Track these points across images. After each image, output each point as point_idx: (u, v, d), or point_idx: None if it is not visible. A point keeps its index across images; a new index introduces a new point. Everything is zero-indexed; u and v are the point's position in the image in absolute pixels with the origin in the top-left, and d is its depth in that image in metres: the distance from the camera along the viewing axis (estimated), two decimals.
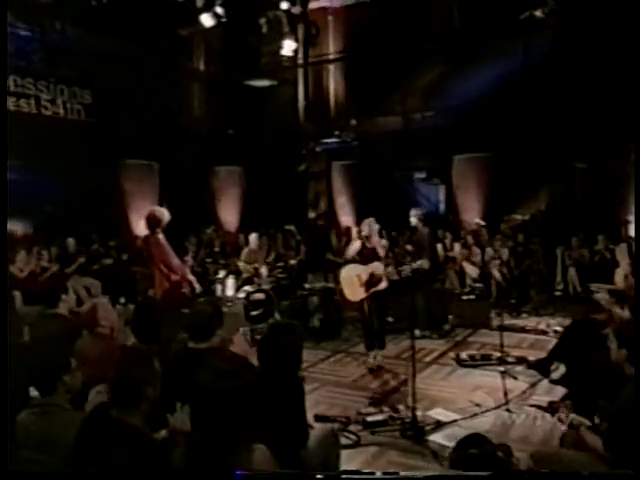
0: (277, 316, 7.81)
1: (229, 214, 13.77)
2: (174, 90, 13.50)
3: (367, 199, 13.15)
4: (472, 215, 12.10)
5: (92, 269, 9.42)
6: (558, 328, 7.60)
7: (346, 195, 13.44)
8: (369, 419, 4.84)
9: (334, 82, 14.72)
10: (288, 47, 11.74)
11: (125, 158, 12.32)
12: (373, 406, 5.22)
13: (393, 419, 4.88)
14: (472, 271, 9.63)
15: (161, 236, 6.06)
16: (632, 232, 10.20)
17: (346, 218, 13.20)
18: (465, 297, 8.33)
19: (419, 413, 4.88)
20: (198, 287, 6.10)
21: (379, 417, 4.89)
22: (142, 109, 12.18)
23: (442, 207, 14.27)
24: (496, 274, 9.55)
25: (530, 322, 8.42)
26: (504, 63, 11.80)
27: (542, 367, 5.70)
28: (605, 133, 10.83)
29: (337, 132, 14.13)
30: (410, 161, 13.60)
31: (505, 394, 5.40)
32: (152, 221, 6.05)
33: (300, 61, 14.85)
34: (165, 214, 6.11)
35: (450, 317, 8.01)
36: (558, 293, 9.19)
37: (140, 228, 12.00)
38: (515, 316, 8.78)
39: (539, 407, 5.14)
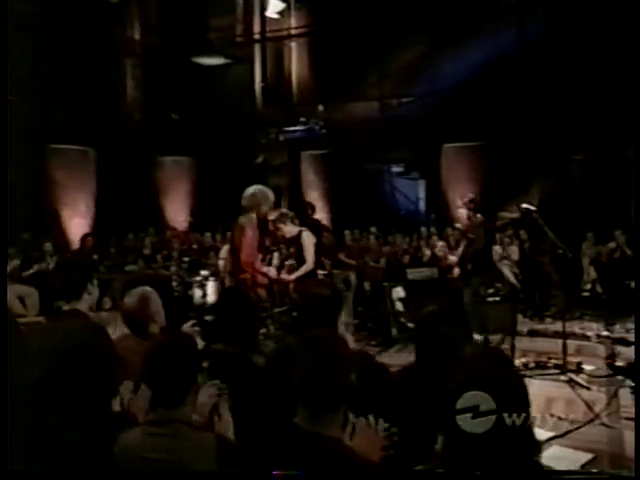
0: (270, 326, 7.09)
1: (177, 211, 12.83)
2: (105, 65, 12.50)
3: (343, 194, 12.68)
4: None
5: (25, 275, 8.32)
6: (601, 332, 7.38)
7: (319, 189, 12.84)
8: None
9: (297, 61, 14.16)
10: (274, 8, 11.00)
11: (52, 143, 11.19)
12: None
13: None
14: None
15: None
16: None
17: (320, 216, 12.56)
18: (490, 299, 7.96)
19: None
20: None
21: None
22: (69, 86, 11.18)
23: (422, 205, 14.00)
24: (508, 274, 9.27)
25: (558, 327, 8.15)
26: (496, 41, 11.63)
27: (634, 373, 5.34)
28: (607, 120, 10.81)
29: (303, 119, 13.54)
30: (386, 153, 13.22)
31: (588, 406, 5.02)
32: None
33: (257, 36, 14.25)
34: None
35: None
36: (586, 294, 9.02)
37: (75, 225, 10.99)
38: (538, 320, 8.54)
39: None
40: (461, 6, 12.00)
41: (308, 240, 6.05)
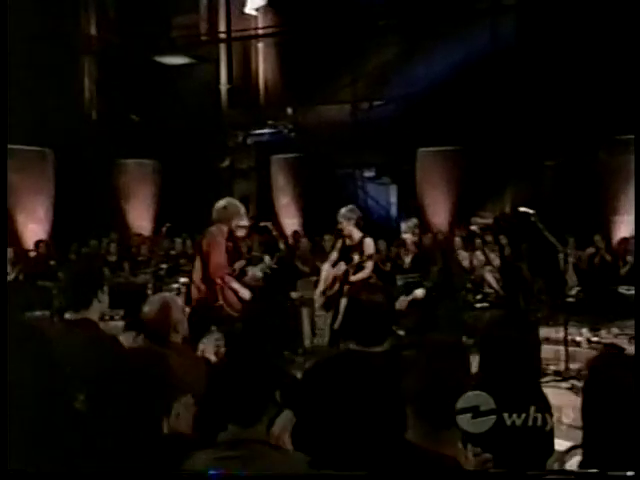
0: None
1: (140, 216, 12.41)
2: (62, 61, 12.04)
3: (314, 199, 12.51)
4: (440, 217, 11.82)
5: None
6: (592, 338, 7.40)
7: (289, 194, 12.63)
8: None
9: (264, 63, 13.94)
10: (252, 4, 10.71)
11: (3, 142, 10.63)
12: None
13: None
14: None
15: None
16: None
17: (291, 221, 12.39)
18: (479, 305, 7.92)
19: None
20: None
21: None
22: (23, 83, 10.67)
23: (394, 210, 13.94)
24: (491, 280, 9.26)
25: (545, 332, 8.14)
26: (470, 45, 11.65)
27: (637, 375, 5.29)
28: (582, 125, 10.91)
29: (271, 122, 13.33)
30: (357, 157, 13.13)
31: None
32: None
33: (222, 35, 13.99)
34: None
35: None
36: (571, 299, 9.04)
37: (31, 231, 10.47)
38: None
39: None
40: (435, 9, 12.00)
41: (370, 247, 5.94)
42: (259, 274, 6.34)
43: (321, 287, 6.06)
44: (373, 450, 1.57)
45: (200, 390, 2.40)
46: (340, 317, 5.82)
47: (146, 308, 2.78)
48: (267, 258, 8.12)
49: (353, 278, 5.84)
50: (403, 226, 7.29)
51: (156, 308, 2.76)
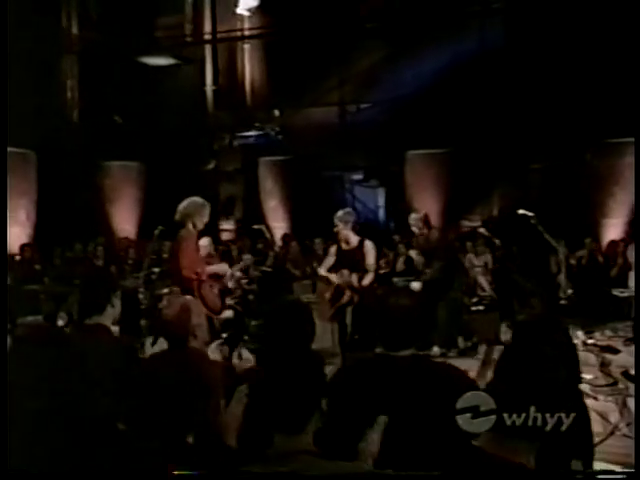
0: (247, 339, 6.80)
1: (124, 219, 12.24)
2: (44, 61, 11.86)
3: (302, 201, 12.45)
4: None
5: None
6: (587, 340, 7.42)
7: (278, 197, 12.55)
8: None
9: (250, 64, 13.86)
10: (244, 4, 10.59)
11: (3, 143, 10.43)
12: None
13: None
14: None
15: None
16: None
17: (279, 224, 12.31)
18: (474, 308, 7.90)
19: None
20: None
21: None
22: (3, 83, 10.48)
23: (382, 213, 13.95)
24: (483, 283, 9.27)
25: None
26: (457, 48, 11.68)
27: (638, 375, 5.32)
28: (570, 129, 10.99)
29: (258, 124, 13.26)
30: (345, 160, 13.10)
31: (602, 416, 4.95)
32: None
33: (208, 36, 13.89)
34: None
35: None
36: (564, 302, 9.07)
37: (13, 236, 10.24)
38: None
39: None
40: (422, 12, 12.03)
41: (371, 251, 5.82)
42: (237, 274, 6.29)
43: (326, 295, 5.90)
44: (436, 455, 1.52)
45: (224, 395, 2.33)
46: (350, 322, 5.74)
47: (165, 310, 2.70)
48: (246, 257, 8.07)
49: (364, 282, 5.74)
50: (411, 218, 7.24)
51: (176, 311, 2.68)
